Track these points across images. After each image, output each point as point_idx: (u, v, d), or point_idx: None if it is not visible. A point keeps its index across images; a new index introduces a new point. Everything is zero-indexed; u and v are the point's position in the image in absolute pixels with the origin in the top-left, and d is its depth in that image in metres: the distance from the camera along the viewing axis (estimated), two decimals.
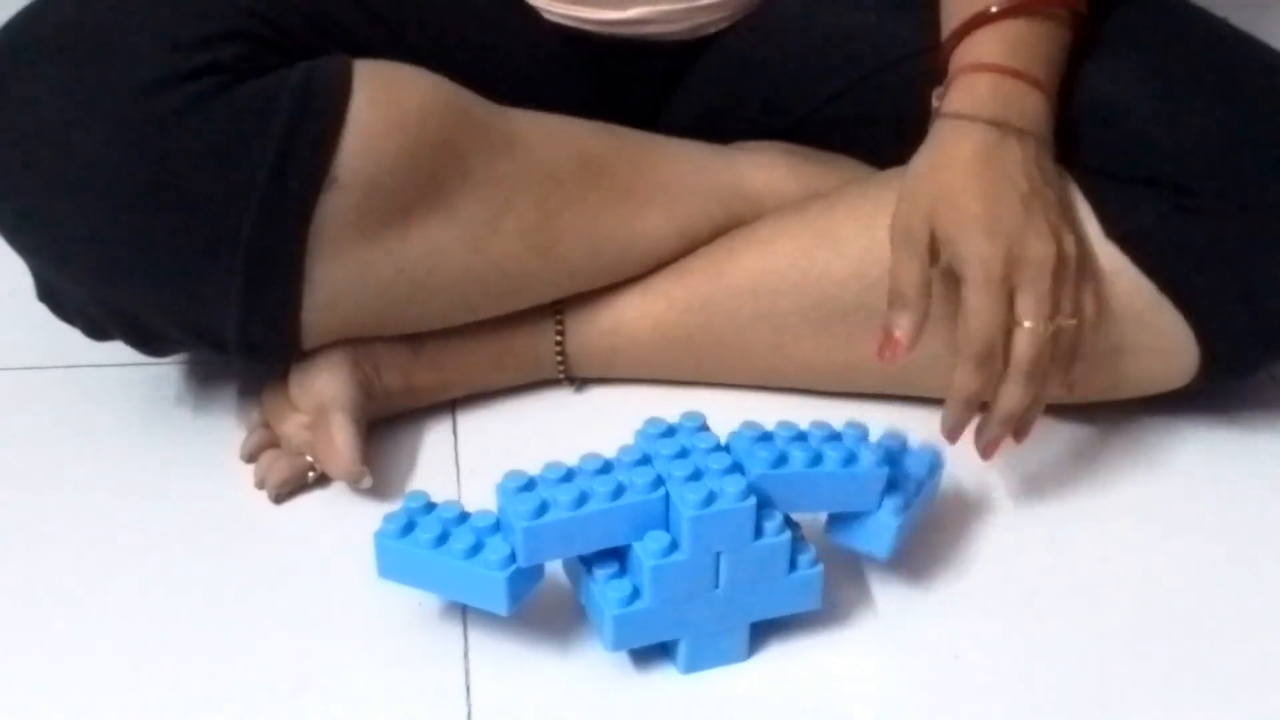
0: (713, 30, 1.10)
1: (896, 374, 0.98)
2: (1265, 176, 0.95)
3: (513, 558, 0.83)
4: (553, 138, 1.01)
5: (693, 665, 0.87)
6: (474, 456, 1.02)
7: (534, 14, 1.07)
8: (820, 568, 0.87)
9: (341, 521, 0.98)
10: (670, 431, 0.86)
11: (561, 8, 1.06)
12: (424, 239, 0.96)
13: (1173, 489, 1.02)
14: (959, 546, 0.97)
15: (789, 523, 0.86)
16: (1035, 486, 1.01)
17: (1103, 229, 0.97)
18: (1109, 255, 0.97)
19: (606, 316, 1.06)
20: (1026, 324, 0.90)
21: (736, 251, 1.05)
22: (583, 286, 1.04)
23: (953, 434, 0.93)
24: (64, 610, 0.91)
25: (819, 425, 0.88)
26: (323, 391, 1.00)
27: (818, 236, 1.02)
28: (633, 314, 1.06)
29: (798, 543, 0.86)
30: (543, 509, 0.82)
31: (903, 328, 0.91)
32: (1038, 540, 0.97)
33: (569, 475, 0.84)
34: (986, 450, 0.94)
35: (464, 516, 0.86)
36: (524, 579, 0.85)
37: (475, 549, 0.84)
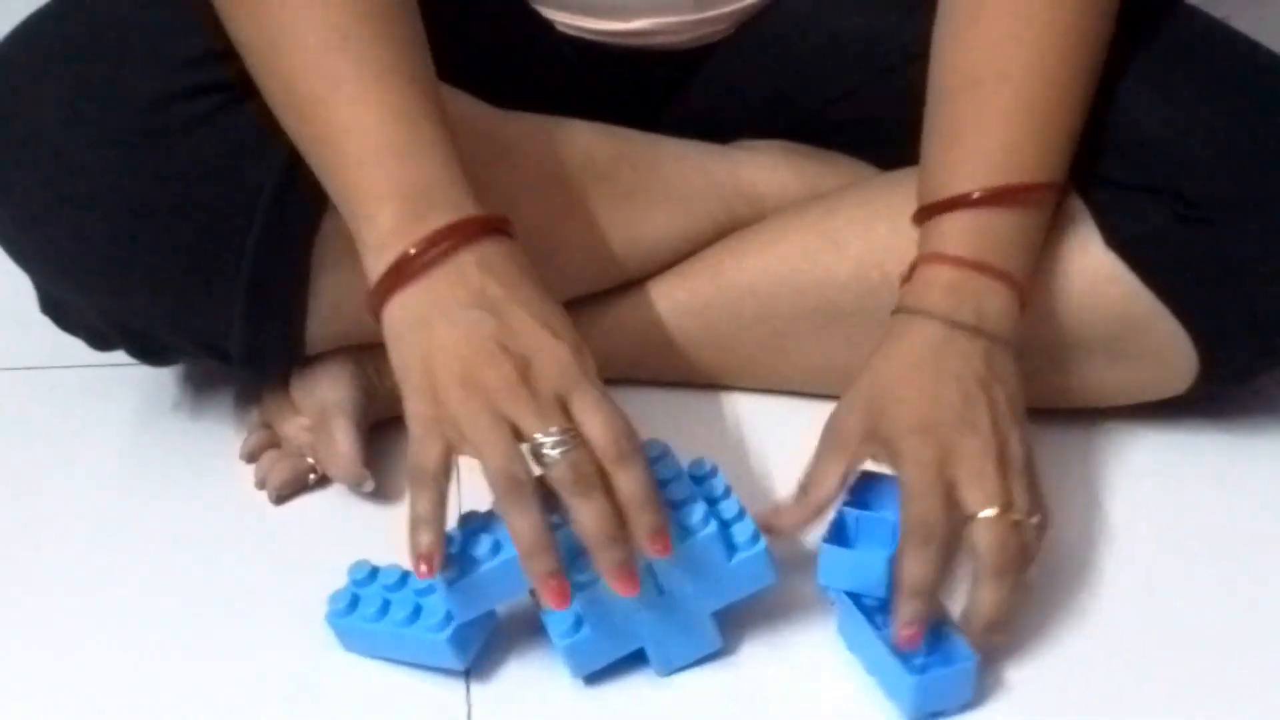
0: (717, 39, 1.10)
1: None
2: (1266, 186, 0.95)
3: (449, 617, 0.84)
4: (554, 141, 1.01)
5: (666, 666, 0.87)
6: (473, 458, 1.02)
7: (546, 24, 1.07)
8: (763, 543, 0.85)
9: (341, 522, 0.98)
10: None
11: (568, 18, 1.06)
12: None
13: (1171, 494, 1.03)
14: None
15: (711, 515, 0.84)
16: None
17: (1102, 236, 0.97)
18: (1108, 263, 0.98)
19: (607, 318, 1.06)
20: (980, 514, 0.84)
21: (738, 253, 1.05)
22: (585, 289, 1.04)
23: (911, 636, 0.84)
24: (64, 610, 0.92)
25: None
26: (325, 394, 1.00)
27: (819, 238, 1.02)
28: (633, 315, 1.06)
29: (728, 527, 0.85)
30: (468, 564, 0.83)
31: (786, 518, 0.87)
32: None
33: (485, 525, 0.84)
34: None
35: (403, 580, 0.87)
36: (470, 632, 0.85)
37: (415, 614, 0.85)
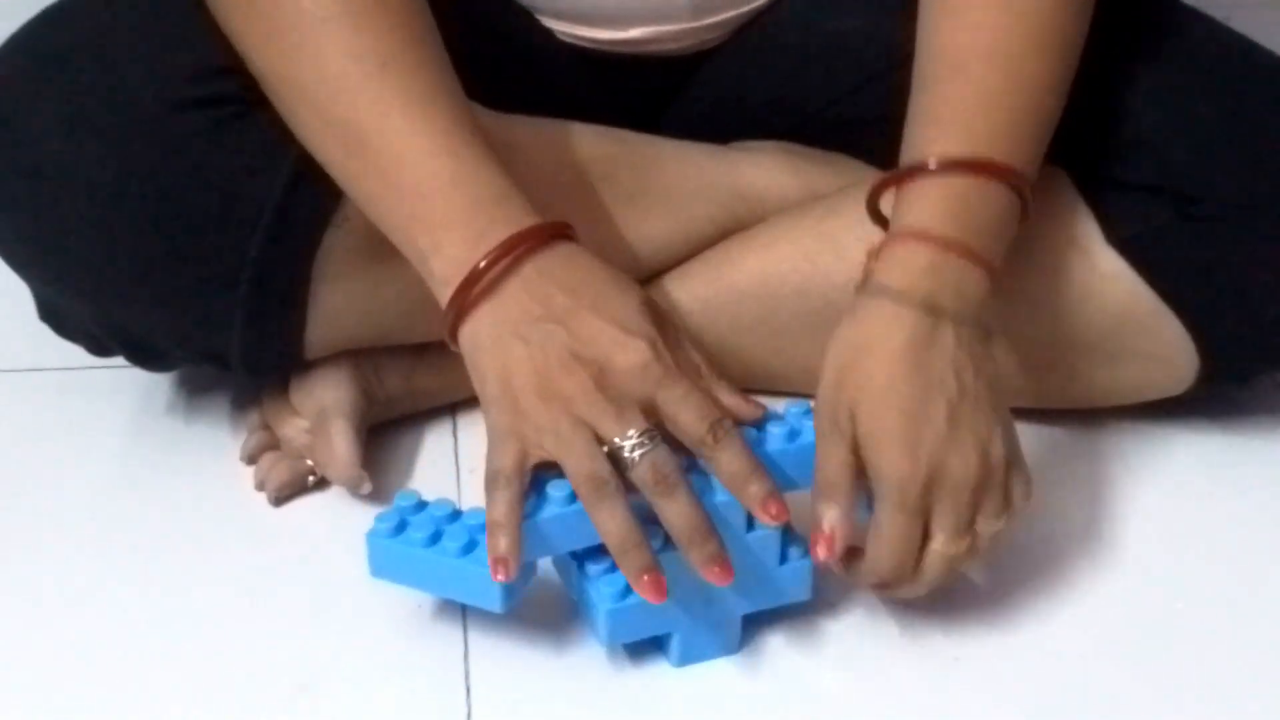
0: (714, 44, 1.10)
1: None
2: (1267, 185, 0.96)
3: None
4: (553, 144, 1.01)
5: (685, 659, 0.88)
6: (474, 456, 1.02)
7: (546, 32, 1.07)
8: (810, 559, 0.86)
9: (341, 523, 0.98)
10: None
11: (566, 26, 1.07)
12: None
13: (1171, 494, 1.03)
14: None
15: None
16: (1034, 491, 1.01)
17: (1104, 234, 0.98)
18: (1109, 260, 0.98)
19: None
20: (935, 546, 0.84)
21: (737, 254, 1.05)
22: None
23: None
24: (63, 611, 0.91)
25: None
26: (323, 396, 1.00)
27: (819, 240, 1.02)
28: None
29: (788, 534, 0.86)
30: (537, 505, 0.82)
31: (831, 520, 0.84)
32: (1037, 543, 0.97)
33: (561, 473, 0.84)
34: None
35: (456, 514, 0.86)
36: (518, 576, 0.85)
37: (469, 547, 0.84)
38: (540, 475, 0.84)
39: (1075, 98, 0.98)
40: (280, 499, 0.99)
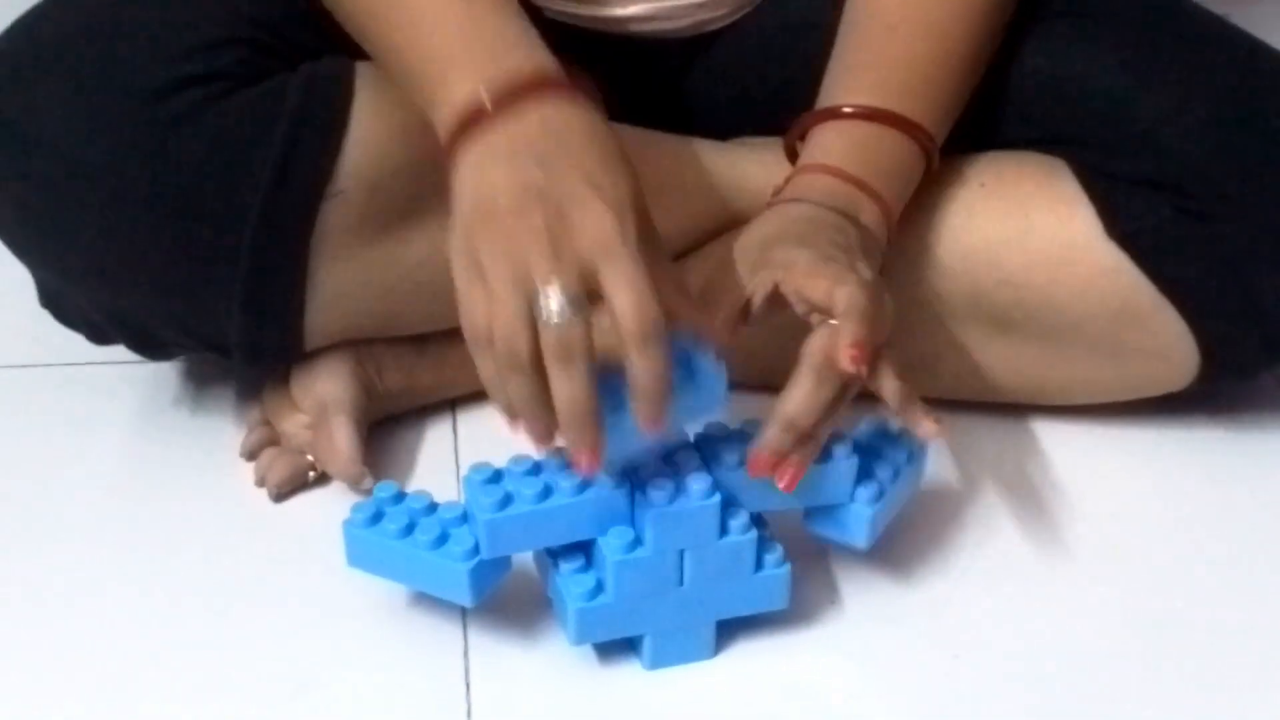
0: (715, 27, 1.09)
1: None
2: (1268, 180, 0.95)
3: (477, 549, 0.84)
4: None
5: (658, 662, 0.88)
6: (474, 456, 1.01)
7: (534, 11, 1.07)
8: (787, 568, 0.87)
9: (340, 520, 0.97)
10: None
11: (562, 4, 1.06)
12: (427, 241, 0.96)
13: (1171, 492, 1.03)
14: (954, 548, 0.97)
15: (756, 521, 0.86)
16: (1033, 488, 1.01)
17: (1104, 228, 0.97)
18: (1110, 254, 0.98)
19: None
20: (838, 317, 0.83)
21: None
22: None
23: (758, 462, 0.84)
24: (63, 609, 0.92)
25: None
26: (324, 392, 1.00)
27: None
28: None
29: (764, 542, 0.86)
30: (507, 501, 0.83)
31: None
32: (1037, 541, 0.97)
33: (535, 469, 0.84)
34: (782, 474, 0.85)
35: (432, 507, 0.86)
36: (488, 571, 0.85)
37: (440, 540, 0.84)
38: (506, 470, 0.84)
39: (1075, 91, 0.99)
40: (281, 495, 0.99)
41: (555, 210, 0.79)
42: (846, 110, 0.93)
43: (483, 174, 0.81)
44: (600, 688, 0.87)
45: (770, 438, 0.83)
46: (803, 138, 0.96)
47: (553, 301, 0.78)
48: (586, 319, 0.78)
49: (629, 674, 0.88)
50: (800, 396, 0.83)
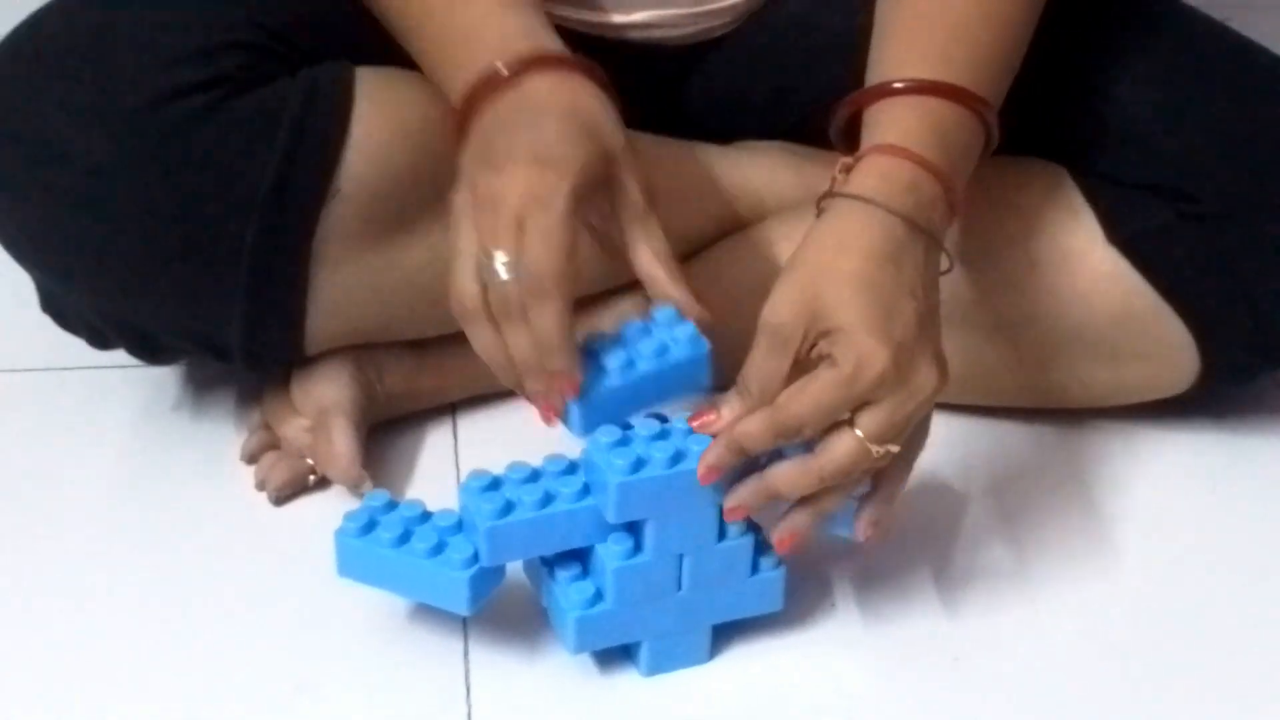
0: (718, 34, 1.09)
1: None
2: (1268, 185, 0.96)
3: (475, 558, 0.83)
4: None
5: (655, 668, 0.88)
6: (474, 457, 1.02)
7: None
8: (782, 570, 0.87)
9: (340, 524, 0.97)
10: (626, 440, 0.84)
11: (566, 10, 1.06)
12: (427, 246, 0.96)
13: (1171, 494, 1.03)
14: (953, 550, 0.97)
15: (752, 526, 0.85)
16: (1034, 491, 1.01)
17: (1105, 233, 0.98)
18: (1110, 259, 0.98)
19: (608, 318, 1.06)
20: (858, 432, 0.79)
21: (738, 254, 1.05)
22: (586, 288, 1.04)
23: (709, 473, 0.82)
24: (64, 611, 0.92)
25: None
26: (324, 396, 1.00)
27: None
28: (634, 316, 1.05)
29: (760, 545, 0.86)
30: (507, 509, 0.82)
31: (725, 415, 0.82)
32: (1036, 542, 0.97)
33: (534, 475, 0.84)
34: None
35: (426, 515, 0.86)
36: (486, 579, 0.85)
37: (438, 548, 0.84)
38: (504, 477, 0.84)
39: (1076, 96, 0.99)
40: (281, 498, 0.99)
41: (508, 174, 0.82)
42: (898, 85, 0.86)
43: (490, 142, 0.84)
44: (600, 693, 0.87)
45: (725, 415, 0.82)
46: (853, 118, 0.89)
47: (496, 263, 0.81)
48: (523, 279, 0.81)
49: (628, 680, 0.88)
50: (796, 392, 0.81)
